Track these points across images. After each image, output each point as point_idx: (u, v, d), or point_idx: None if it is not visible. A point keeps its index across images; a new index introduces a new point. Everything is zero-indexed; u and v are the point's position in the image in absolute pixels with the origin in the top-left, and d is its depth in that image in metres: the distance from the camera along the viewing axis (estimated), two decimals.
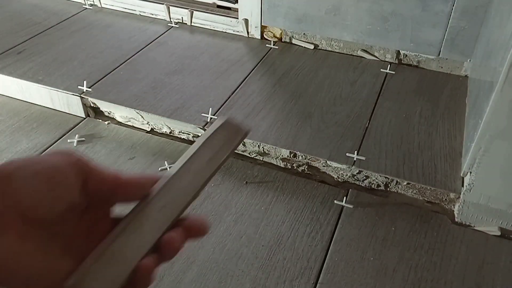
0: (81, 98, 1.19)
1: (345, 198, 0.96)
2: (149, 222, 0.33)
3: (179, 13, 1.52)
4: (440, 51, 1.25)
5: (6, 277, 0.27)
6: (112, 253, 0.31)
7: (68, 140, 1.13)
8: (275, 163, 1.07)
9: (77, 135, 1.14)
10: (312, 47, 1.40)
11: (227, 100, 1.18)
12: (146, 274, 0.31)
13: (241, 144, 1.07)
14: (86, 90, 1.20)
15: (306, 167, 1.04)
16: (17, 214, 0.28)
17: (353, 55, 1.37)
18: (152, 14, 1.56)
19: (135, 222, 0.32)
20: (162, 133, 1.18)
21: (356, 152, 1.00)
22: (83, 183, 0.31)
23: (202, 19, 1.50)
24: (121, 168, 1.05)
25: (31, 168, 0.29)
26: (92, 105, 1.21)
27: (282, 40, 1.44)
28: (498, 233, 0.89)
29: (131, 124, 1.20)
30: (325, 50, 1.40)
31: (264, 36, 1.45)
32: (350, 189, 0.99)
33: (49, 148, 1.11)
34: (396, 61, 1.33)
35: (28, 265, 0.28)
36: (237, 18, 1.45)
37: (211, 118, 1.11)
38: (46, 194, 0.29)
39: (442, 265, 0.84)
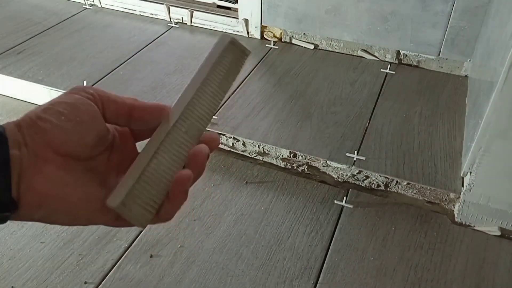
0: None
1: (345, 198, 0.95)
2: (177, 145, 0.34)
3: (179, 13, 1.52)
4: (440, 51, 1.25)
5: (53, 208, 0.30)
6: (149, 172, 0.32)
7: None
8: (275, 163, 1.07)
9: None
10: (312, 47, 1.40)
11: (227, 100, 1.18)
12: (181, 188, 0.33)
13: (241, 144, 1.07)
14: None
15: (306, 167, 1.04)
16: (51, 151, 0.30)
17: (353, 55, 1.37)
18: (152, 14, 1.56)
19: (164, 144, 0.34)
20: None
21: (356, 152, 1.00)
22: (103, 112, 0.33)
23: (202, 19, 1.50)
24: None
25: (55, 109, 0.31)
26: None
27: (282, 40, 1.44)
28: (498, 233, 0.89)
29: None
30: (325, 50, 1.40)
31: (264, 36, 1.45)
32: (350, 189, 0.99)
33: None
34: (396, 61, 1.33)
35: (70, 194, 0.31)
36: (237, 18, 1.45)
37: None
38: (73, 131, 0.31)
39: (442, 265, 0.84)
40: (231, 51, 0.39)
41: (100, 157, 0.34)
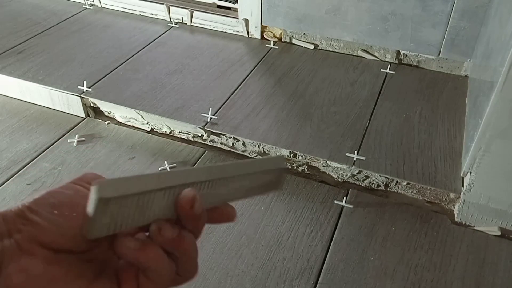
0: (81, 98, 1.19)
1: (345, 198, 0.96)
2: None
3: (179, 13, 1.52)
4: (440, 51, 1.25)
5: None
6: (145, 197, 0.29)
7: (68, 140, 1.13)
8: None
9: (77, 135, 1.14)
10: (312, 47, 1.40)
11: (227, 100, 1.18)
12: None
13: (241, 144, 1.08)
14: (86, 90, 1.20)
15: (306, 167, 1.04)
16: (38, 245, 0.27)
17: (353, 55, 1.37)
18: (152, 14, 1.56)
19: (173, 188, 0.31)
20: (162, 133, 1.18)
21: (356, 152, 1.00)
22: None
23: (202, 19, 1.50)
24: (121, 168, 1.05)
25: (49, 201, 0.28)
26: (92, 105, 1.21)
27: (282, 40, 1.44)
28: (498, 233, 0.89)
29: (131, 124, 1.20)
30: (325, 50, 1.40)
31: (264, 36, 1.45)
32: (350, 189, 0.99)
33: (50, 148, 1.11)
34: (396, 61, 1.33)
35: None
36: (237, 18, 1.45)
37: (211, 118, 1.11)
38: (66, 226, 0.28)
39: (442, 265, 0.84)
40: (275, 175, 0.38)
41: (100, 247, 0.30)
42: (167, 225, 0.29)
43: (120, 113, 1.20)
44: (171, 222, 0.30)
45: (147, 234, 0.30)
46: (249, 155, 1.09)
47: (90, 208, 0.26)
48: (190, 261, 0.31)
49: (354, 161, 0.99)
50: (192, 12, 1.50)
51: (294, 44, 1.42)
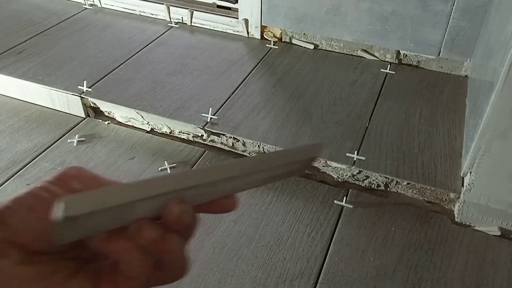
0: (81, 98, 1.19)
1: (345, 198, 0.95)
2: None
3: (179, 13, 1.52)
4: (440, 51, 1.25)
5: None
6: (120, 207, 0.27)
7: (68, 140, 1.13)
8: None
9: (77, 135, 1.14)
10: (312, 47, 1.40)
11: (227, 100, 1.18)
12: (173, 253, 0.28)
13: (241, 144, 1.08)
14: (86, 90, 1.20)
15: None
16: (11, 246, 0.27)
17: (353, 55, 1.37)
18: (152, 14, 1.56)
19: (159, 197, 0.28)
20: (162, 133, 1.18)
21: (356, 152, 1.00)
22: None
23: (202, 19, 1.50)
24: (121, 168, 1.05)
25: (26, 203, 0.28)
26: (92, 105, 1.21)
27: (282, 40, 1.44)
28: (498, 233, 0.89)
29: (131, 124, 1.20)
30: (325, 50, 1.40)
31: (264, 36, 1.45)
32: (350, 189, 0.99)
33: (50, 148, 1.11)
34: (396, 61, 1.33)
35: None
36: (237, 18, 1.45)
37: (211, 118, 1.11)
38: (42, 232, 0.27)
39: (442, 265, 0.84)
40: (303, 163, 0.35)
41: (81, 246, 0.29)
42: (148, 225, 0.28)
43: (120, 113, 1.20)
44: (155, 221, 0.28)
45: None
46: (249, 155, 1.09)
47: (56, 220, 0.25)
48: (174, 263, 0.29)
49: (354, 161, 0.99)
50: (192, 12, 1.50)
51: (294, 44, 1.42)
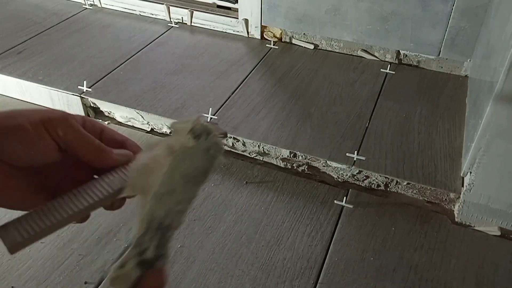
0: (81, 98, 1.19)
1: (345, 198, 0.95)
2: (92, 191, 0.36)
3: (179, 13, 1.52)
4: (440, 51, 1.25)
5: None
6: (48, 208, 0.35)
7: None
8: (275, 163, 1.07)
9: None
10: (312, 47, 1.40)
11: (227, 100, 1.18)
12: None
13: (241, 144, 1.07)
14: (86, 90, 1.20)
15: (306, 167, 1.04)
16: (0, 161, 0.34)
17: (353, 55, 1.37)
18: (152, 14, 1.56)
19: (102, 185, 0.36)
20: (162, 133, 1.18)
21: (356, 152, 1.00)
22: (65, 144, 0.36)
23: (202, 19, 1.50)
24: None
25: (19, 135, 0.34)
26: (92, 105, 1.21)
27: (282, 40, 1.44)
28: (498, 233, 0.89)
29: (131, 124, 1.20)
30: (325, 50, 1.40)
31: (264, 36, 1.45)
32: (350, 189, 0.99)
33: None
34: (396, 61, 1.33)
35: (10, 196, 0.35)
36: (237, 18, 1.45)
37: (211, 118, 1.11)
38: (25, 151, 0.34)
39: (442, 265, 0.84)
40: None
41: (46, 170, 0.37)
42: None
43: (120, 113, 1.20)
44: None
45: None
46: (249, 155, 1.09)
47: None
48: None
49: (354, 161, 0.99)
50: (192, 12, 1.50)
51: (294, 44, 1.42)
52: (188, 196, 0.34)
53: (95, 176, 0.38)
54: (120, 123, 1.20)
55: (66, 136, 0.36)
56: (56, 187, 0.37)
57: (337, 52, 1.39)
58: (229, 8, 1.50)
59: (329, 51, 1.39)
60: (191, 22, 1.52)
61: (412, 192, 0.96)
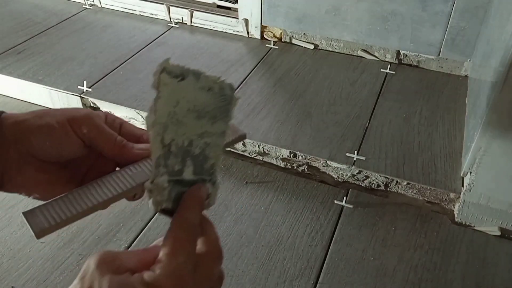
0: (81, 98, 1.19)
1: (345, 198, 0.95)
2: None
3: (179, 13, 1.52)
4: (440, 51, 1.25)
5: (28, 193, 0.39)
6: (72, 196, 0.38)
7: None
8: (275, 163, 1.07)
9: None
10: (312, 47, 1.40)
11: None
12: None
13: (241, 144, 1.07)
14: (86, 90, 1.20)
15: (306, 167, 1.04)
16: (32, 157, 0.38)
17: (353, 55, 1.37)
18: (152, 14, 1.56)
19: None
20: None
21: (356, 152, 1.00)
22: (90, 141, 0.40)
23: (202, 19, 1.50)
24: None
25: (45, 131, 0.38)
26: (92, 105, 1.21)
27: (282, 40, 1.44)
28: (498, 233, 0.89)
29: None
30: (325, 50, 1.40)
31: (264, 36, 1.45)
32: (350, 189, 0.99)
33: None
34: (396, 61, 1.33)
35: (42, 188, 0.39)
36: (237, 18, 1.45)
37: None
38: (53, 147, 0.38)
39: (442, 265, 0.84)
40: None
41: (73, 164, 0.41)
42: None
43: (120, 113, 1.20)
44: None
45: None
46: (249, 155, 1.09)
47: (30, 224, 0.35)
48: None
49: (354, 161, 0.99)
50: (192, 12, 1.50)
51: (294, 44, 1.42)
52: (211, 130, 0.38)
53: (117, 168, 0.41)
54: None
55: (90, 133, 0.39)
56: (82, 179, 0.41)
57: (337, 52, 1.39)
58: (229, 8, 1.50)
59: (329, 51, 1.39)
60: (191, 22, 1.52)
61: (412, 192, 0.96)
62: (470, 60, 1.23)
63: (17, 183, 0.38)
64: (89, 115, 0.40)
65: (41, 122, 0.38)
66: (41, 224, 0.35)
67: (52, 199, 0.37)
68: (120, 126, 0.42)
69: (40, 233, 0.35)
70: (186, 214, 0.34)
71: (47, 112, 0.39)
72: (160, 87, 0.35)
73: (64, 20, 1.55)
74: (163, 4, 1.52)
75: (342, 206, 0.95)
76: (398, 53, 1.32)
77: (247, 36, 1.46)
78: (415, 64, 1.32)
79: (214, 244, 0.35)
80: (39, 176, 0.39)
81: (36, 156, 0.38)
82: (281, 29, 1.42)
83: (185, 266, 0.31)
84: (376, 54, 1.35)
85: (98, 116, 0.40)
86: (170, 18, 1.54)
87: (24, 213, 0.36)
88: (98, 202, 0.37)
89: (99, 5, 1.63)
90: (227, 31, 1.48)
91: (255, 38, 1.45)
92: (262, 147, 1.06)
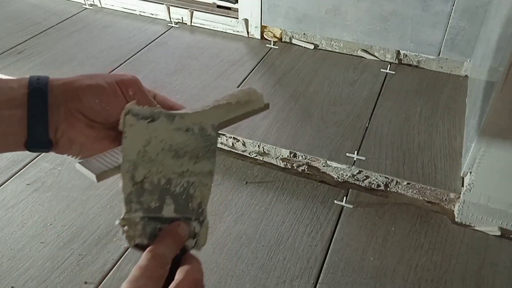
0: None
1: (345, 198, 0.95)
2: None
3: (179, 13, 1.52)
4: (440, 51, 1.25)
5: (78, 149, 0.42)
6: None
7: None
8: (275, 163, 1.07)
9: None
10: (312, 47, 1.40)
11: None
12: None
13: (241, 144, 1.07)
14: None
15: (306, 167, 1.04)
16: (82, 115, 0.40)
17: (353, 55, 1.37)
18: (152, 14, 1.56)
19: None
20: None
21: (356, 152, 1.00)
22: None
23: (202, 19, 1.50)
24: None
25: (95, 92, 0.40)
26: None
27: (282, 40, 1.44)
28: (498, 233, 0.89)
29: None
30: (325, 50, 1.40)
31: (264, 36, 1.45)
32: (350, 189, 0.99)
33: None
34: (396, 61, 1.33)
35: (90, 143, 0.42)
36: (237, 18, 1.45)
37: None
38: (102, 106, 0.41)
39: (442, 265, 0.84)
40: (249, 94, 0.45)
41: (117, 125, 0.42)
42: None
43: None
44: None
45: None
46: (249, 155, 1.09)
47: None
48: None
49: (354, 161, 0.99)
50: (192, 12, 1.50)
51: (294, 44, 1.42)
52: (193, 170, 0.39)
53: None
54: None
55: (135, 96, 0.42)
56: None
57: (337, 52, 1.39)
58: (229, 8, 1.50)
59: (329, 51, 1.39)
60: (191, 22, 1.52)
61: (412, 192, 0.96)
62: (470, 60, 1.23)
63: (70, 137, 0.41)
64: (136, 79, 0.43)
65: (91, 82, 0.40)
66: (99, 168, 0.37)
67: (100, 153, 0.40)
68: (154, 96, 0.46)
69: (100, 176, 0.36)
70: (157, 247, 0.36)
71: (96, 74, 0.42)
72: (126, 128, 0.37)
73: (64, 20, 1.55)
74: (163, 4, 1.52)
75: (342, 206, 0.95)
76: (398, 53, 1.32)
77: (247, 36, 1.46)
78: (415, 64, 1.32)
79: (190, 273, 0.35)
80: (90, 132, 0.41)
81: (85, 115, 0.40)
82: (281, 29, 1.42)
83: None
84: (376, 54, 1.35)
85: (141, 82, 0.43)
86: (170, 18, 1.54)
87: (80, 162, 0.38)
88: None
89: (99, 5, 1.63)
90: (227, 31, 1.48)
91: (255, 38, 1.45)
92: (262, 147, 1.06)
